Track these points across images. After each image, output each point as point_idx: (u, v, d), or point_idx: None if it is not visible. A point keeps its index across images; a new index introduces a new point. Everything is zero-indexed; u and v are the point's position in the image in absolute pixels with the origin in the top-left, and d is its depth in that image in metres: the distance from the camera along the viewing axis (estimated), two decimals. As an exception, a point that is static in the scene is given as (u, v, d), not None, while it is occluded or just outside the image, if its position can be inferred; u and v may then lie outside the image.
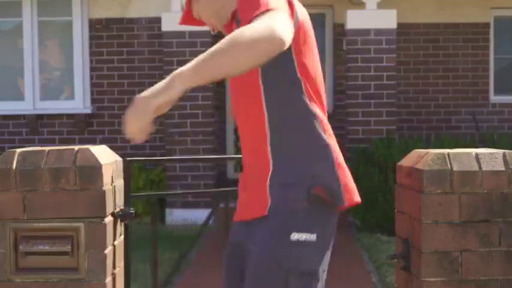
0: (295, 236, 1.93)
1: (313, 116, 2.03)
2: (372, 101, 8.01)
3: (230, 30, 2.16)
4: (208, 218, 3.53)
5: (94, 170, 2.52)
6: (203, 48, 8.11)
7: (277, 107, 2.02)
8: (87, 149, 2.59)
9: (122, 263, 2.86)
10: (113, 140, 8.97)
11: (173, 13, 8.12)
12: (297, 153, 2.00)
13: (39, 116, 8.97)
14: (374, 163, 7.40)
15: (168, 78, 1.76)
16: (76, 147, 2.60)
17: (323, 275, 2.00)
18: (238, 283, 2.12)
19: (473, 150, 2.67)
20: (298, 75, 2.03)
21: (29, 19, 8.86)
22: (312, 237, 1.95)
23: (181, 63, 8.11)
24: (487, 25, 9.39)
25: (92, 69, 9.00)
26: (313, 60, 2.08)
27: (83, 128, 9.01)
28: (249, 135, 2.07)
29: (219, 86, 9.42)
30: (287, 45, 1.80)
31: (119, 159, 2.88)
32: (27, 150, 2.59)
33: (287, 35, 1.80)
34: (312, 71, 2.06)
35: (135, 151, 8.95)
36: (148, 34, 8.97)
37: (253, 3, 1.90)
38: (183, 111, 8.13)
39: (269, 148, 2.02)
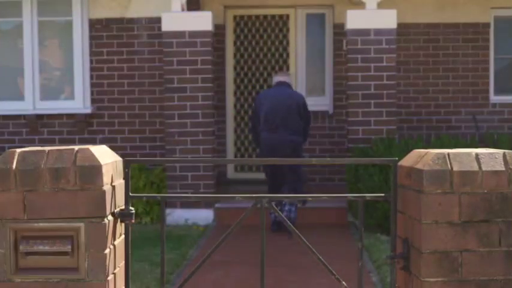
0: None
1: None
2: (372, 101, 8.01)
3: None
4: None
5: (94, 170, 2.52)
6: (203, 48, 8.09)
7: None
8: (87, 149, 2.59)
9: (122, 263, 2.85)
10: (113, 140, 8.97)
11: (173, 13, 8.11)
12: None
13: (39, 116, 8.97)
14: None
15: None
16: (76, 147, 2.60)
17: None
18: None
19: (473, 150, 2.67)
20: None
21: (29, 19, 8.85)
22: None
23: (181, 63, 8.10)
24: (487, 25, 9.39)
25: (92, 69, 9.00)
26: None
27: (83, 128, 9.01)
28: None
29: (219, 86, 9.42)
30: None
31: (119, 159, 2.88)
32: (27, 150, 2.59)
33: None
34: None
35: (135, 151, 8.95)
36: (148, 34, 8.96)
37: None
38: (183, 111, 8.12)
39: None
